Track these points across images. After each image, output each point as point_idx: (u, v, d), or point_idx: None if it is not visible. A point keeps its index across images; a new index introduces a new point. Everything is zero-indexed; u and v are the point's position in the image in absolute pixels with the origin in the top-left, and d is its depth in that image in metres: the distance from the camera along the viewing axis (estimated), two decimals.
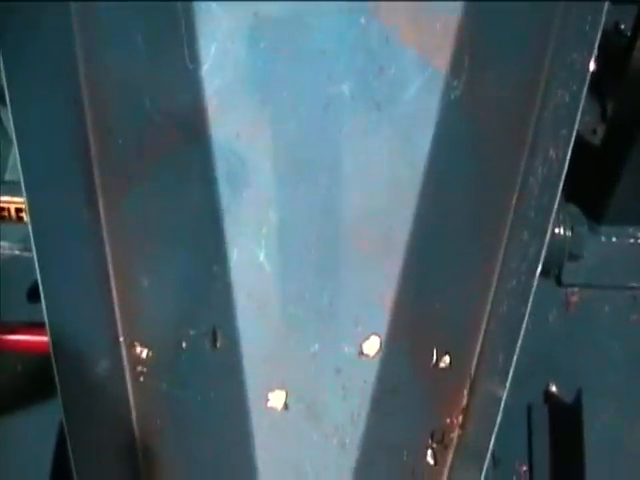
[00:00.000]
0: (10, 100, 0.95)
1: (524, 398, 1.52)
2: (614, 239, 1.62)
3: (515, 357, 0.97)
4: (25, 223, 1.40)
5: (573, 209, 1.50)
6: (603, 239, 1.62)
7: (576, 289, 1.62)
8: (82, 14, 1.04)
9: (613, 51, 1.65)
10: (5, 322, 1.36)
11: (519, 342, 0.97)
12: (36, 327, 1.30)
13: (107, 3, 1.04)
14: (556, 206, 0.95)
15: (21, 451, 1.46)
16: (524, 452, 1.50)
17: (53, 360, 1.03)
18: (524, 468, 1.50)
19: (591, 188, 1.58)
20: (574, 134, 0.92)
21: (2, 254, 1.65)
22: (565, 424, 1.48)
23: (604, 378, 1.53)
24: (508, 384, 0.98)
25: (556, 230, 1.42)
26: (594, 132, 1.78)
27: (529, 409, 1.52)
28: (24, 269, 1.60)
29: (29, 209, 1.00)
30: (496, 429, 0.99)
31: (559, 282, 1.61)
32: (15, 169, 1.81)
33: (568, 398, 1.50)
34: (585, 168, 1.49)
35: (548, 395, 1.55)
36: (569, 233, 1.44)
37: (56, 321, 1.03)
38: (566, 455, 1.46)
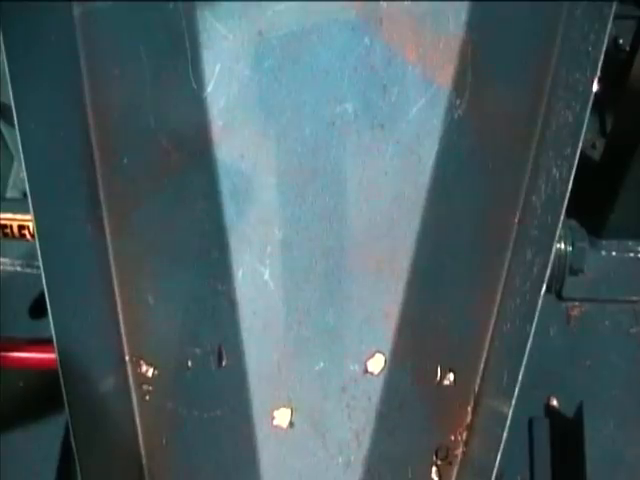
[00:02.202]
0: (17, 117, 0.95)
1: (525, 412, 1.52)
2: (614, 253, 1.62)
3: (520, 375, 0.98)
4: (27, 240, 1.41)
5: (573, 224, 1.50)
6: (603, 253, 1.62)
7: (577, 303, 1.63)
8: (87, 33, 1.04)
9: (612, 66, 1.65)
10: (8, 338, 1.36)
11: (524, 361, 0.97)
12: (39, 343, 1.30)
13: (112, 23, 1.04)
14: (560, 225, 0.96)
15: (23, 467, 1.45)
16: (525, 466, 1.50)
17: (61, 377, 1.03)
18: None
19: (591, 202, 1.58)
20: (578, 154, 0.92)
21: (4, 270, 1.66)
22: (566, 438, 1.48)
23: (605, 392, 1.53)
24: (513, 402, 0.98)
25: (557, 245, 1.42)
26: (593, 146, 1.78)
27: (530, 423, 1.52)
28: (26, 285, 1.61)
29: (36, 226, 1.00)
30: (502, 446, 1.00)
31: (560, 296, 1.61)
32: (16, 187, 1.83)
33: (569, 412, 1.50)
34: (585, 182, 1.49)
35: (549, 409, 1.55)
36: (570, 248, 1.44)
37: (63, 339, 1.03)
38: (567, 469, 1.46)
